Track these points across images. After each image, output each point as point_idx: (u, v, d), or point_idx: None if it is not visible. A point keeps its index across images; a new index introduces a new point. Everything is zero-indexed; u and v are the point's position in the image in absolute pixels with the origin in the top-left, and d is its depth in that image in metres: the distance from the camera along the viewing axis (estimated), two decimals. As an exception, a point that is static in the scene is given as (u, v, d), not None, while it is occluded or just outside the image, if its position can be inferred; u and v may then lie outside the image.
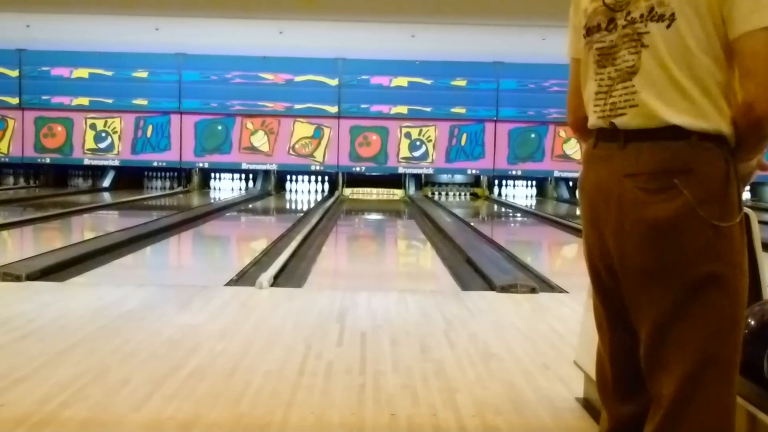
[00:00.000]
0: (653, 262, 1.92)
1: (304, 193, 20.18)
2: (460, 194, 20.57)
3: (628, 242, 1.95)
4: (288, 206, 17.78)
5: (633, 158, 1.95)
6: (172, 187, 20.42)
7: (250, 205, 17.11)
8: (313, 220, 12.18)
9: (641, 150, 1.93)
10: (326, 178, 20.22)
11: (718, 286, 1.90)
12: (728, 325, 1.93)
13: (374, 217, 16.14)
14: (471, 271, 7.82)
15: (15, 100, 19.57)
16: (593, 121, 2.07)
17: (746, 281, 2.00)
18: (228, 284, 6.77)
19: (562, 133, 19.72)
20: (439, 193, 20.41)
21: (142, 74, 19.45)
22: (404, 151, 19.70)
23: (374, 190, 20.36)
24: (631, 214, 1.93)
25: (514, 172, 20.04)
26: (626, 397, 2.13)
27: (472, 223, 13.12)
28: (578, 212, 2.25)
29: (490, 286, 6.68)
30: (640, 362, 2.03)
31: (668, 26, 1.90)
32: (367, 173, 19.99)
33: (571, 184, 20.42)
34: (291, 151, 19.78)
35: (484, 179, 20.24)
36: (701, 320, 1.90)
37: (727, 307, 1.92)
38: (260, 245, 10.08)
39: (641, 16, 1.94)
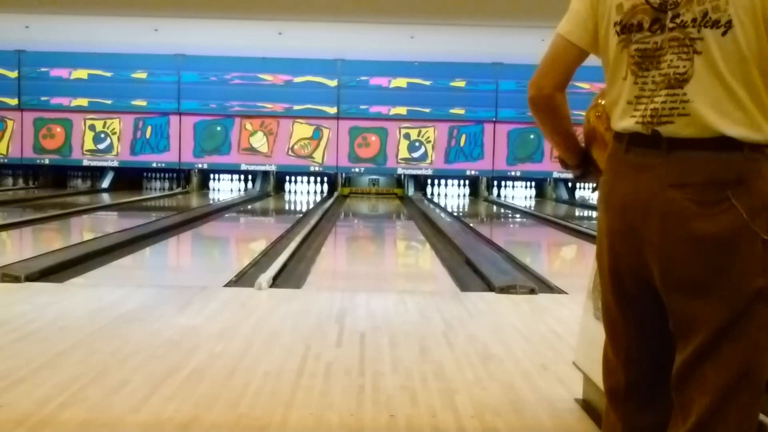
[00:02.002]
0: (705, 277, 1.86)
1: (303, 194, 20.18)
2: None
3: (677, 256, 1.88)
4: (287, 207, 17.78)
5: (679, 168, 1.87)
6: (171, 188, 20.42)
7: (249, 206, 17.11)
8: (312, 221, 12.17)
9: (689, 160, 1.87)
10: (325, 179, 20.22)
11: (766, 302, 1.87)
12: (767, 338, 1.91)
13: (373, 217, 16.14)
14: (470, 272, 7.82)
15: (14, 101, 19.57)
16: (626, 124, 1.98)
17: None
18: (227, 285, 6.76)
19: (561, 134, 19.67)
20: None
21: (141, 75, 19.45)
22: (403, 152, 19.70)
23: (373, 189, 20.36)
24: (679, 227, 1.87)
25: (513, 173, 20.04)
26: (644, 405, 2.09)
27: (471, 224, 13.12)
28: (596, 218, 2.15)
29: (489, 287, 6.68)
30: (665, 370, 2.00)
31: (723, 33, 1.85)
32: (365, 175, 20.01)
33: (570, 185, 20.43)
34: (290, 152, 19.78)
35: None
36: (747, 336, 1.87)
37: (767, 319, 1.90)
38: (259, 246, 10.07)
39: (693, 20, 1.87)
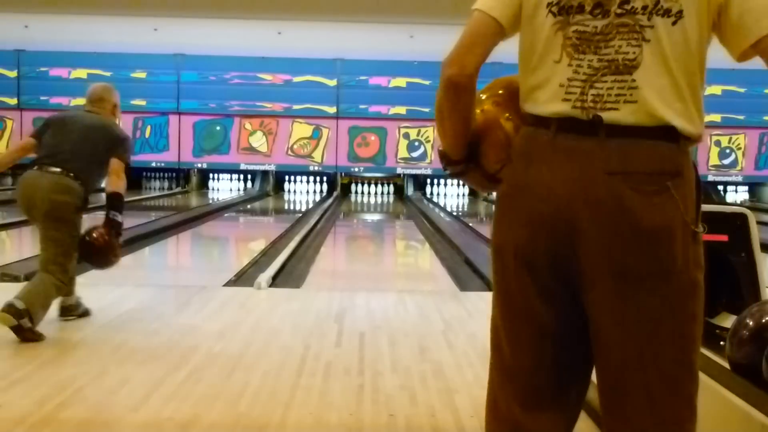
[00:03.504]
0: (643, 267, 1.79)
1: (302, 193, 20.17)
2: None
3: (616, 245, 1.80)
4: (286, 207, 17.78)
5: (620, 155, 1.80)
6: (170, 188, 20.41)
7: (249, 206, 17.10)
8: (312, 221, 12.17)
9: (630, 148, 1.80)
10: (325, 178, 20.21)
11: (696, 293, 1.84)
12: (699, 330, 1.87)
13: (373, 217, 16.13)
14: (469, 271, 7.83)
15: (13, 101, 19.56)
16: (557, 108, 1.87)
17: None
18: (226, 285, 6.76)
19: (561, 134, 19.69)
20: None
21: (141, 75, 19.44)
22: (403, 152, 19.69)
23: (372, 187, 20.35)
24: (620, 216, 1.79)
25: (512, 173, 19.99)
26: (550, 407, 1.96)
27: (470, 224, 13.11)
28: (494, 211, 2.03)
29: (489, 286, 6.67)
30: (574, 371, 1.94)
31: (674, 23, 1.82)
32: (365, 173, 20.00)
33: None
34: (289, 152, 19.77)
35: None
36: (681, 327, 1.83)
37: (699, 311, 1.86)
38: (259, 246, 10.07)
39: (644, 8, 1.82)
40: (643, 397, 1.82)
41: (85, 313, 5.29)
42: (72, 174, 5.01)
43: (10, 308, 4.52)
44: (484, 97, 2.10)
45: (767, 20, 1.80)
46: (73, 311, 5.23)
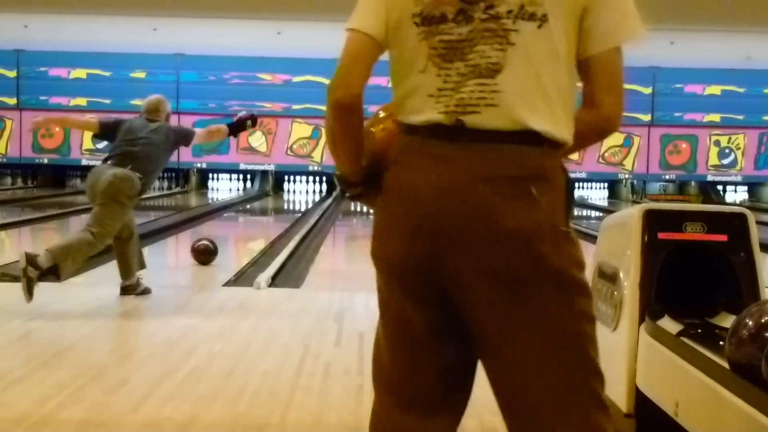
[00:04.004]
0: (516, 271, 1.77)
1: (302, 193, 20.17)
2: None
3: (485, 251, 1.78)
4: (286, 206, 17.78)
5: (484, 160, 1.78)
6: (170, 188, 20.41)
7: (248, 206, 17.10)
8: (311, 221, 12.17)
9: (493, 152, 1.79)
10: (324, 178, 20.20)
11: (582, 292, 1.83)
12: (592, 330, 1.88)
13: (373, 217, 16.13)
14: (469, 271, 7.81)
15: (13, 101, 19.56)
16: (425, 117, 1.86)
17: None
18: (226, 285, 6.76)
19: (560, 134, 19.70)
20: None
21: (140, 74, 19.44)
22: (402, 152, 19.68)
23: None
24: (487, 221, 1.77)
25: (512, 173, 20.00)
26: (433, 414, 1.94)
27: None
28: (375, 222, 1.97)
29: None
30: (455, 375, 1.91)
31: (539, 27, 1.79)
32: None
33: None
34: (289, 152, 19.77)
35: None
36: (573, 328, 1.82)
37: (590, 308, 1.86)
38: (258, 246, 10.07)
39: (509, 12, 1.80)
40: (546, 400, 1.81)
41: (145, 291, 5.88)
42: (134, 170, 5.69)
43: (29, 255, 5.30)
44: (383, 114, 2.11)
45: (619, 32, 1.85)
46: (131, 291, 5.84)
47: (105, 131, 6.05)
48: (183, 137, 6.19)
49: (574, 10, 1.82)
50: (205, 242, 7.89)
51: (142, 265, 6.00)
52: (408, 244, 1.85)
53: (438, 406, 1.95)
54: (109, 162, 5.81)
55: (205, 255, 7.72)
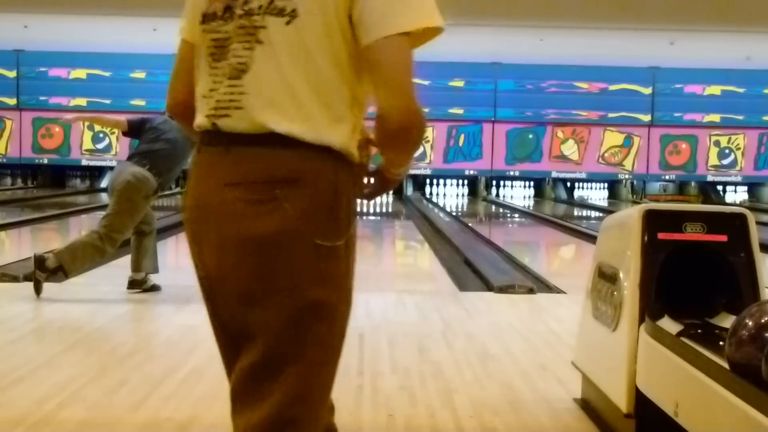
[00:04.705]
0: (255, 283, 1.70)
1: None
2: None
3: (228, 260, 1.73)
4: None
5: (236, 165, 1.71)
6: (170, 188, 20.38)
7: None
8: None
9: (245, 157, 1.70)
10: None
11: (320, 315, 1.73)
12: (327, 358, 1.80)
13: (372, 218, 16.14)
14: (469, 271, 7.83)
15: (13, 101, 19.55)
16: (199, 121, 1.81)
17: (350, 309, 1.85)
18: (226, 285, 6.75)
19: (560, 134, 19.72)
20: None
21: (140, 75, 19.42)
22: (402, 152, 19.67)
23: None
24: (232, 228, 1.70)
25: (511, 173, 20.03)
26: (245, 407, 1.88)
27: (469, 224, 13.12)
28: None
29: (488, 286, 6.68)
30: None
31: (288, 23, 1.68)
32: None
33: (568, 184, 20.45)
34: (289, 152, 19.76)
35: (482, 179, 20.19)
36: (302, 353, 1.72)
37: (327, 336, 1.78)
38: (258, 246, 10.06)
39: (260, 7, 1.70)
40: (256, 420, 1.73)
41: (154, 288, 6.00)
42: (153, 170, 5.86)
43: (38, 257, 5.55)
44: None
45: (388, 21, 1.69)
46: (137, 285, 5.96)
47: (132, 129, 6.24)
48: None
49: (336, 3, 1.69)
50: None
51: (155, 269, 6.10)
52: (195, 252, 1.84)
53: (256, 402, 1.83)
54: (132, 159, 6.01)
55: None
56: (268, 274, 1.69)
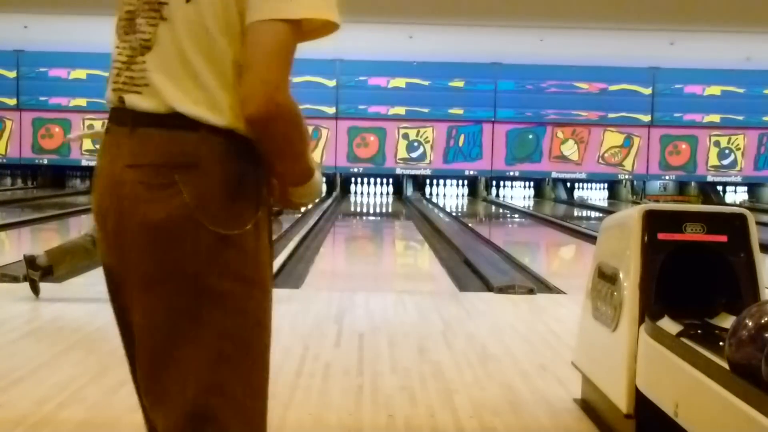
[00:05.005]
0: (152, 270, 1.65)
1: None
2: None
3: (128, 244, 1.67)
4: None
5: (138, 146, 1.65)
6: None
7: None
8: (311, 221, 12.17)
9: (148, 137, 1.64)
10: (323, 179, 20.15)
11: (220, 305, 1.66)
12: (240, 353, 1.74)
13: (372, 218, 16.14)
14: (469, 272, 7.83)
15: (12, 101, 19.55)
16: (108, 95, 1.75)
17: (266, 299, 1.79)
18: (226, 285, 6.76)
19: (560, 134, 19.72)
20: None
21: (140, 75, 19.42)
22: (402, 152, 19.68)
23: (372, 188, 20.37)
24: (131, 213, 1.64)
25: (511, 173, 20.02)
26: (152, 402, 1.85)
27: (469, 224, 13.12)
28: None
29: (488, 287, 6.68)
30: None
31: (187, 0, 1.63)
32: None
33: (568, 185, 20.45)
34: (289, 152, 19.75)
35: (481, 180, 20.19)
36: (202, 343, 1.65)
37: (234, 327, 1.71)
38: (258, 246, 10.05)
39: None
40: (173, 417, 1.69)
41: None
42: None
43: (28, 257, 5.61)
44: None
45: (269, 5, 1.60)
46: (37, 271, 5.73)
47: None
48: None
49: None
50: None
51: None
52: (102, 236, 1.78)
53: (160, 397, 1.80)
54: None
55: None
56: (165, 260, 1.64)
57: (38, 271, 5.58)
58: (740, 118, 19.70)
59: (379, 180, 20.21)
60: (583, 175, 20.01)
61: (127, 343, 1.84)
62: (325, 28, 1.70)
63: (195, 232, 1.62)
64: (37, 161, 19.84)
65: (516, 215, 16.77)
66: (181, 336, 1.66)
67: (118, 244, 1.70)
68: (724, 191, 20.57)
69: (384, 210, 18.12)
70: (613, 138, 19.76)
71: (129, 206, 1.65)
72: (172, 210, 1.61)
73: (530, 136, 19.75)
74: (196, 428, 1.67)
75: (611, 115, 19.66)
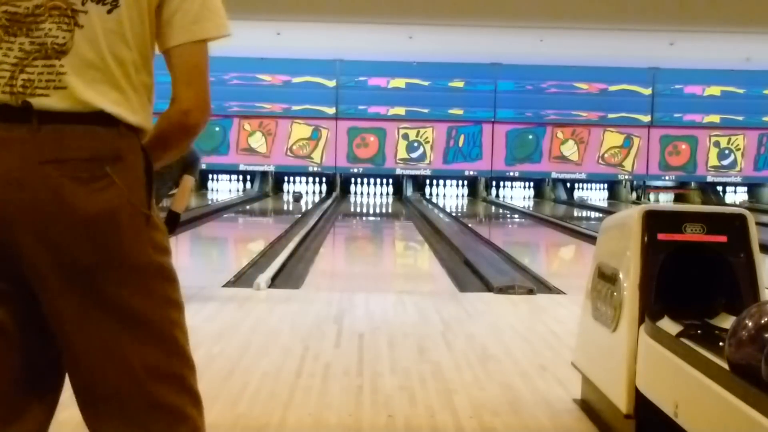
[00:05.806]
0: (94, 258, 1.73)
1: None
2: None
3: (62, 239, 1.71)
4: (285, 207, 17.78)
5: (55, 143, 1.72)
6: (169, 189, 20.36)
7: (248, 207, 17.10)
8: (311, 222, 12.18)
9: (66, 134, 1.73)
10: (324, 179, 20.21)
11: (166, 277, 1.82)
12: (180, 318, 1.86)
13: (372, 218, 16.15)
14: (468, 272, 7.83)
15: (12, 101, 19.56)
16: None
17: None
18: (225, 285, 6.76)
19: (560, 135, 19.74)
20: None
21: (140, 75, 19.43)
22: (402, 153, 19.70)
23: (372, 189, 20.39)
24: (59, 208, 1.70)
25: (511, 174, 20.04)
26: (16, 417, 1.90)
27: (469, 225, 13.12)
28: None
29: (488, 287, 6.68)
30: (39, 375, 1.87)
31: (109, 11, 1.76)
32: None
33: (568, 185, 20.45)
34: (288, 153, 19.77)
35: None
36: (159, 316, 1.80)
37: (175, 294, 1.84)
38: (258, 246, 10.07)
39: None
40: (126, 390, 1.81)
41: None
42: None
43: None
44: None
45: (200, 27, 1.82)
46: None
47: None
48: (191, 165, 6.41)
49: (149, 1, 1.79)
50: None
51: None
52: None
53: (18, 410, 1.89)
54: None
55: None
56: (108, 246, 1.74)
57: None
58: (740, 118, 19.72)
59: (379, 180, 20.23)
60: (583, 176, 20.02)
61: (25, 340, 1.83)
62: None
63: (133, 215, 1.76)
64: (36, 161, 19.84)
65: (516, 215, 16.78)
66: (137, 309, 1.77)
67: (41, 241, 1.72)
68: (724, 191, 20.59)
69: (384, 210, 18.14)
70: (612, 138, 19.78)
71: (55, 202, 1.71)
72: (113, 198, 1.73)
73: (530, 137, 19.77)
74: (152, 380, 1.84)
75: (611, 116, 19.68)
